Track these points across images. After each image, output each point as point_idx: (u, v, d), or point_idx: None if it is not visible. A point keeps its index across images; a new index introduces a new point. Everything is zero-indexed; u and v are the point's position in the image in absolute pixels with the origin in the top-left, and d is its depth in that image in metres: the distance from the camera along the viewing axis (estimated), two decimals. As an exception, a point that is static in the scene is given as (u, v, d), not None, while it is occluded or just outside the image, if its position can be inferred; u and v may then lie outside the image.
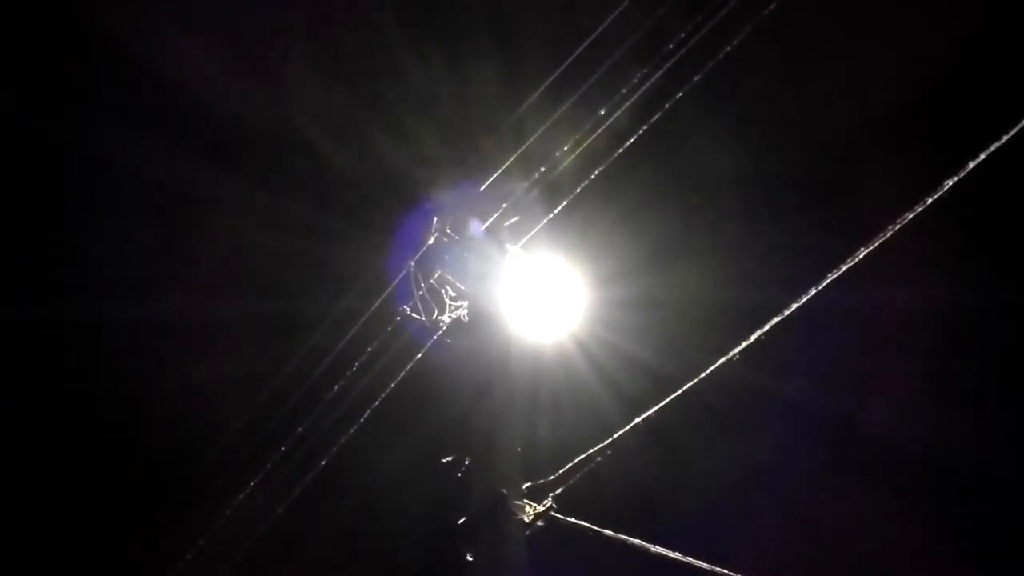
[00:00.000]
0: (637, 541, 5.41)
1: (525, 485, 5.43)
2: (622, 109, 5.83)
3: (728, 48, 5.41)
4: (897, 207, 4.56)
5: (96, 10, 9.61)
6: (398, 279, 6.51)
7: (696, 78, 5.55)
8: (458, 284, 6.19)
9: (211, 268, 10.93)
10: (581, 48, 6.06)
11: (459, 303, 6.16)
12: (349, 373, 6.90)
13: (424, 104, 8.87)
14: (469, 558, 5.16)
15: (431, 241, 6.25)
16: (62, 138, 10.06)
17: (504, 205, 6.23)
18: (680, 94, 5.63)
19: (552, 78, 6.18)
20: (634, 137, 5.85)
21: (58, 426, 12.25)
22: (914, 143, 9.57)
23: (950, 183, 4.39)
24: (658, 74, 5.66)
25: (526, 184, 6.17)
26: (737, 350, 5.07)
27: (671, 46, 5.58)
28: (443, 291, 6.23)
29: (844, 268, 4.72)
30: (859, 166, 10.06)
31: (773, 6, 5.15)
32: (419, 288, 6.26)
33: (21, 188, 10.74)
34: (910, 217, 4.52)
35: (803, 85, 9.13)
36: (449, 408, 5.92)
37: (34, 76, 9.82)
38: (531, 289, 6.24)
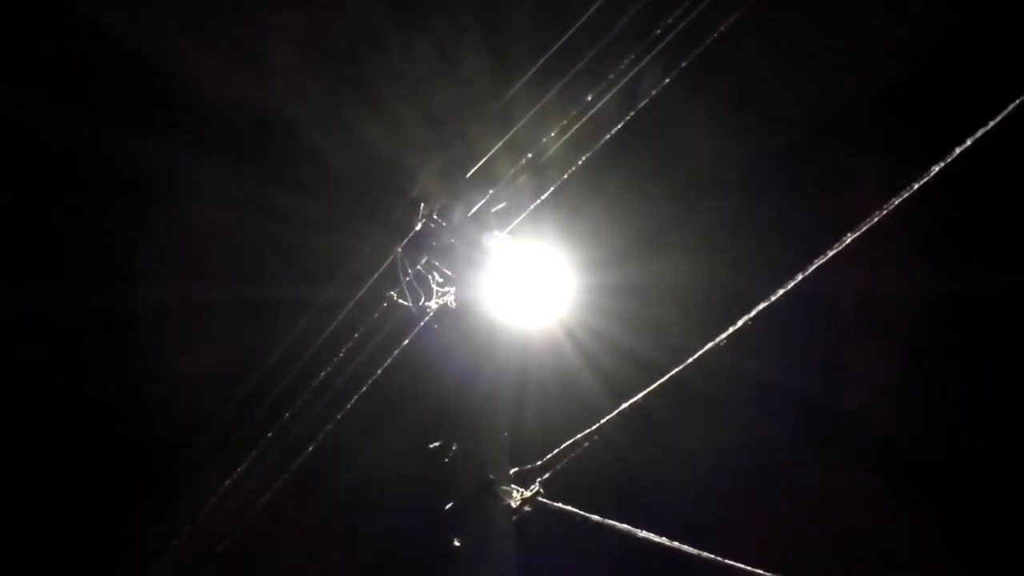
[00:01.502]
0: (624, 526, 5.43)
1: (512, 470, 5.44)
2: (610, 95, 5.81)
3: (716, 34, 5.41)
4: (883, 193, 4.57)
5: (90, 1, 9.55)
6: (385, 265, 6.50)
7: (684, 64, 5.54)
8: (445, 270, 6.19)
9: (197, 255, 10.89)
10: (569, 33, 6.04)
11: (446, 289, 6.16)
12: (336, 359, 6.89)
13: (411, 90, 8.84)
14: (456, 543, 5.18)
15: (418, 227, 6.24)
16: (53, 130, 10.00)
17: (491, 191, 6.22)
18: (668, 80, 5.62)
19: (539, 63, 6.16)
20: (622, 123, 5.84)
21: (40, 416, 12.21)
22: (900, 129, 9.60)
23: (936, 169, 4.40)
24: (645, 60, 5.64)
25: (513, 170, 6.16)
26: (724, 336, 5.08)
27: (659, 31, 5.57)
28: (430, 277, 6.22)
29: (831, 254, 4.73)
30: (846, 152, 10.09)
31: (761, -8, 5.15)
32: (406, 274, 6.25)
33: (12, 180, 10.67)
34: (896, 203, 4.53)
35: (790, 72, 9.14)
36: (436, 394, 5.93)
37: (30, 70, 9.75)
38: (518, 275, 6.24)
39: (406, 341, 6.40)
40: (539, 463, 5.47)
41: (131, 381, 11.74)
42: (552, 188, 6.12)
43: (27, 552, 12.29)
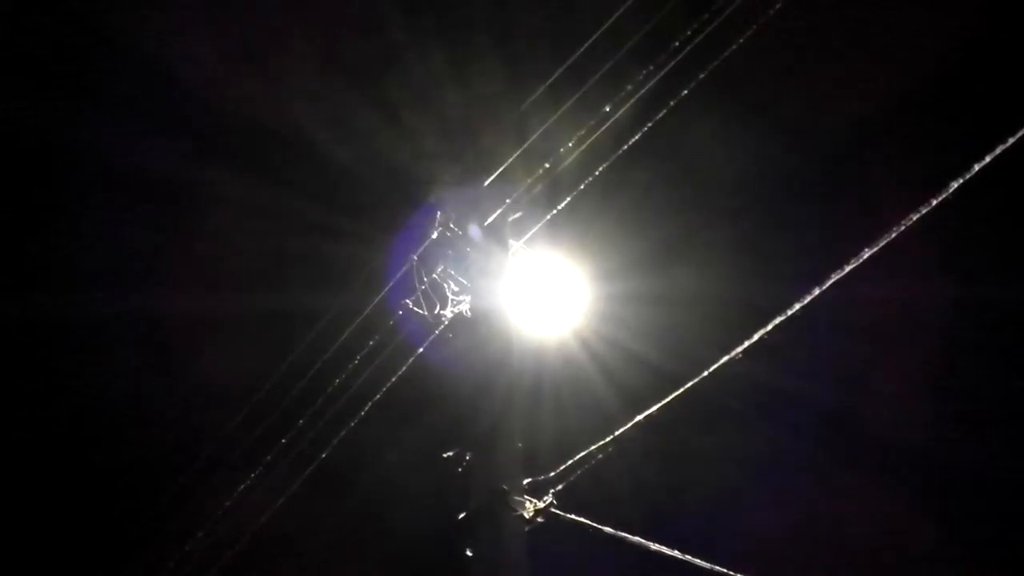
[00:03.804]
0: (637, 538, 5.40)
1: (526, 481, 5.43)
2: (626, 106, 5.82)
3: (733, 47, 5.41)
4: (901, 208, 4.56)
5: (98, 6, 9.60)
6: (400, 273, 6.51)
7: (700, 76, 5.54)
8: (461, 279, 6.19)
9: (213, 263, 10.93)
10: (585, 45, 6.05)
11: (461, 298, 6.16)
12: (350, 367, 6.90)
13: (427, 100, 8.85)
14: (469, 553, 5.17)
15: (434, 236, 6.25)
16: (60, 133, 10.06)
17: (507, 201, 6.23)
18: (684, 92, 5.62)
19: (556, 75, 6.18)
20: (638, 135, 5.85)
21: (57, 421, 12.27)
22: (919, 144, 9.56)
23: (955, 185, 4.38)
24: (662, 72, 5.65)
25: (529, 180, 6.17)
26: (740, 348, 5.07)
27: (676, 44, 5.57)
28: (446, 286, 6.23)
29: (848, 268, 4.71)
30: (864, 166, 10.06)
31: (779, 6, 5.14)
32: (422, 283, 6.26)
33: (17, 182, 10.73)
34: (914, 219, 4.51)
35: (808, 84, 9.11)
36: (450, 403, 5.92)
37: (32, 71, 9.81)
38: (533, 285, 6.24)
39: (421, 349, 6.40)
40: (553, 474, 5.46)
41: (145, 387, 11.79)
42: (568, 198, 6.12)
43: (44, 555, 12.36)
